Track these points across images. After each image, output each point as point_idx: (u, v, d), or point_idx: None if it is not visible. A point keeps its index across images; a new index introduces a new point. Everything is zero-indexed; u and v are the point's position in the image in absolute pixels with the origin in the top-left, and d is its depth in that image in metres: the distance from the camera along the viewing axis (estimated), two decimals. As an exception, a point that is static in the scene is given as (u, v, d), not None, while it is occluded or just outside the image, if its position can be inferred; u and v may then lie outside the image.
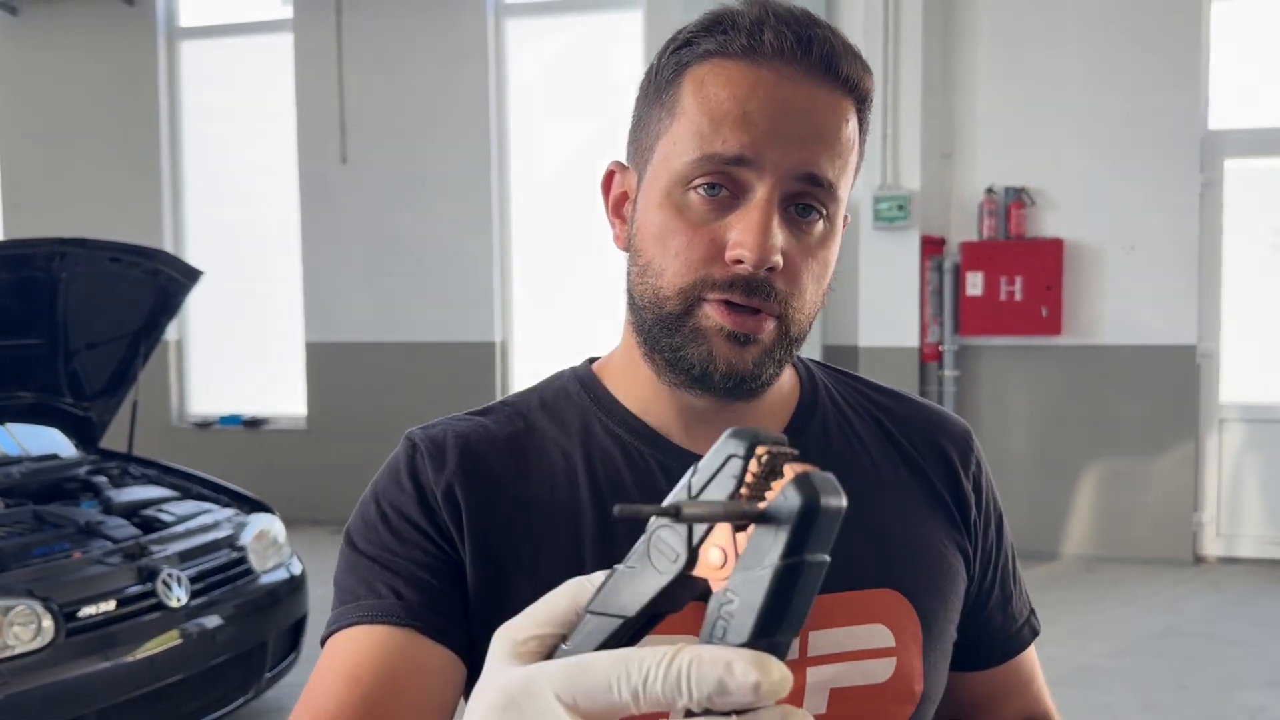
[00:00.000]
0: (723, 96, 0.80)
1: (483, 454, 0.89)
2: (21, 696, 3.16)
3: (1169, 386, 6.08)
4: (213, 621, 3.61)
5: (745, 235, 0.79)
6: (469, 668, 0.86)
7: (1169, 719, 4.00)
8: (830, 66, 0.81)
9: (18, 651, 3.22)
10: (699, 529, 0.45)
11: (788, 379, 0.96)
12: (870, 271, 6.23)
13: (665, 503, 0.45)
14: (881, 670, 0.86)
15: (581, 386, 0.95)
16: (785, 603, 0.42)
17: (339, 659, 0.81)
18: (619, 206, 0.91)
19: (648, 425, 0.91)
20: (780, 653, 0.43)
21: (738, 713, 0.42)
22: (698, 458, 0.88)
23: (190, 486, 4.40)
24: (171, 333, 7.58)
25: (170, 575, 3.59)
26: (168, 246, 7.14)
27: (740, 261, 0.80)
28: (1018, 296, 6.13)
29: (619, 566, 0.47)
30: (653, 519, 0.44)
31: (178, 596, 3.56)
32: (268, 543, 4.08)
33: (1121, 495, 6.19)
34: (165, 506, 4.16)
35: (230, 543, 3.94)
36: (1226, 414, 6.15)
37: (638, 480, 0.89)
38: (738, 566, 0.44)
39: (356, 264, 7.26)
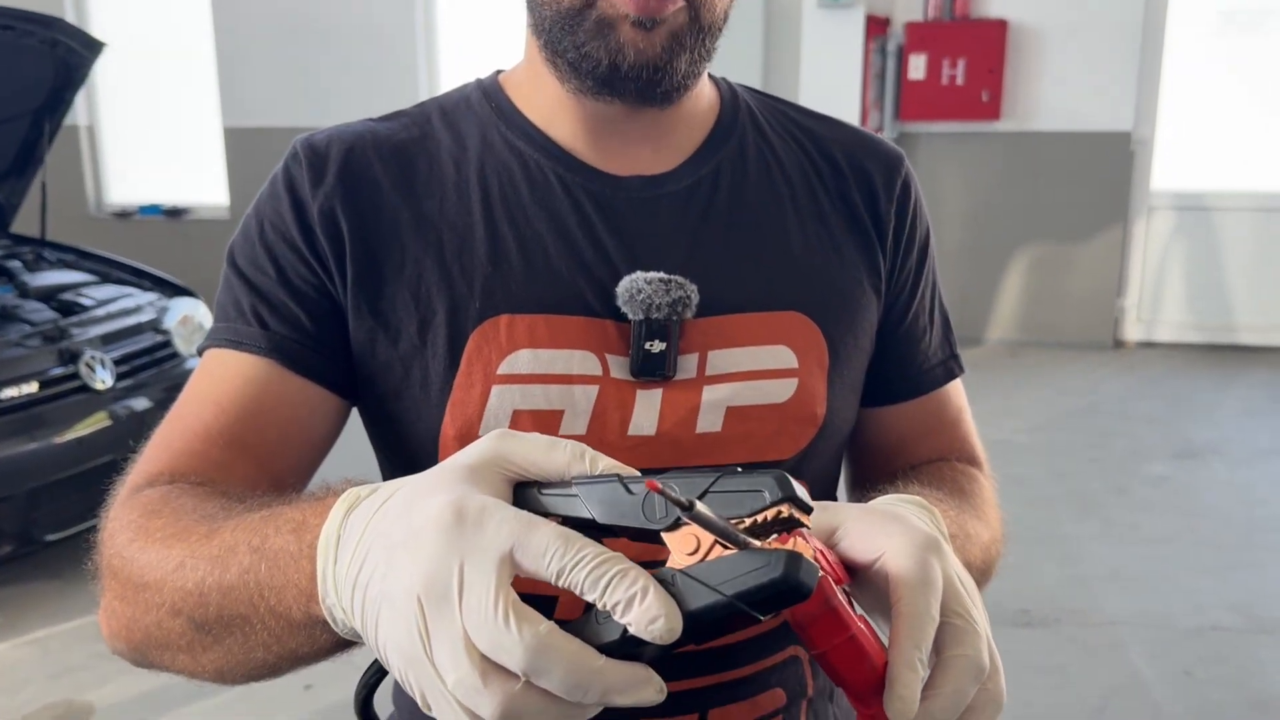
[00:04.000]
0: None
1: (367, 163, 0.83)
2: (-52, 477, 3.14)
3: (1102, 174, 6.10)
4: (141, 404, 3.58)
5: None
6: (352, 398, 0.84)
7: (1078, 486, 4.21)
8: None
9: (-60, 433, 3.17)
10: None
11: (707, 96, 0.90)
12: (812, 52, 6.06)
13: (683, 480, 0.50)
14: (781, 390, 0.83)
15: (484, 96, 0.89)
16: (704, 623, 0.47)
17: (207, 383, 0.81)
18: None
19: (550, 139, 0.86)
20: (654, 651, 0.47)
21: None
22: (605, 174, 0.86)
23: (110, 271, 4.27)
24: (83, 118, 7.21)
25: (94, 358, 3.52)
26: (68, 16, 6.68)
27: None
28: (959, 80, 6.03)
29: (625, 476, 0.51)
30: (663, 484, 0.48)
31: (102, 379, 3.50)
32: (193, 327, 4.00)
33: (1049, 281, 6.31)
34: (85, 290, 4.04)
35: (154, 326, 3.86)
36: (1156, 201, 6.22)
37: (535, 196, 0.84)
38: (696, 566, 0.47)
39: (272, 43, 6.89)
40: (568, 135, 0.86)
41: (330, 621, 0.55)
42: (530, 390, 0.79)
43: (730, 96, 0.92)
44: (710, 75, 0.92)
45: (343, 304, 0.81)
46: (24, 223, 4.55)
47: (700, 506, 0.47)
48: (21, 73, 3.97)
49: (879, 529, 0.59)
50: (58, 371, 3.47)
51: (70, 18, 6.72)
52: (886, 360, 0.93)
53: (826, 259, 0.88)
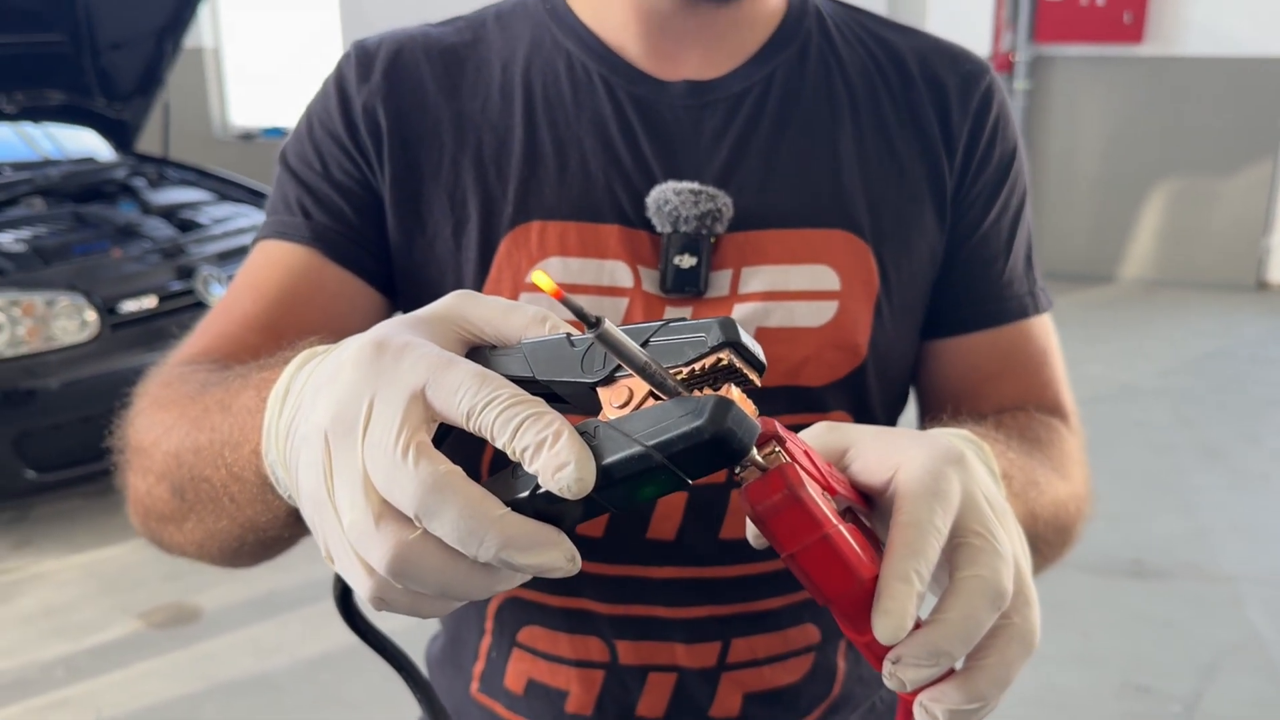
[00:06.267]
0: None
1: (415, 63, 0.82)
2: (74, 386, 3.28)
3: (1253, 102, 5.69)
4: (253, 320, 3.68)
5: None
6: (391, 295, 0.82)
7: (1205, 434, 3.99)
8: None
9: (66, 343, 3.32)
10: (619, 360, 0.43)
11: (774, 1, 0.83)
12: (940, -28, 5.78)
13: (623, 328, 0.43)
14: (819, 314, 0.77)
15: None
16: (621, 479, 0.41)
17: (251, 270, 0.81)
18: None
19: (600, 39, 0.81)
20: (572, 514, 0.42)
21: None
22: (651, 79, 0.80)
23: (228, 190, 4.39)
24: (208, 41, 7.39)
25: (209, 274, 3.63)
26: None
27: None
28: (1100, 1, 5.68)
29: (574, 334, 0.46)
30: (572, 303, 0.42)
31: (216, 294, 3.60)
32: (306, 246, 4.08)
33: (1189, 217, 5.95)
34: (203, 208, 4.16)
35: (267, 245, 3.95)
36: (1313, 132, 5.78)
37: (578, 99, 0.80)
38: (623, 419, 0.42)
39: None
40: (617, 34, 0.81)
41: (274, 482, 0.52)
42: (554, 303, 0.75)
43: (799, 1, 0.85)
44: None
45: (384, 200, 0.80)
46: (148, 142, 4.69)
47: (612, 329, 0.41)
48: (142, -7, 4.07)
49: (895, 446, 0.51)
50: (175, 286, 3.59)
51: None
52: (952, 286, 0.84)
53: (884, 174, 0.81)
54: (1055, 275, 6.17)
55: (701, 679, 0.81)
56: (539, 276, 0.42)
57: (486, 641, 0.85)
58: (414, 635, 0.87)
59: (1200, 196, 5.91)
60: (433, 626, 0.95)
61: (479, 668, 0.86)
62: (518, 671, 0.83)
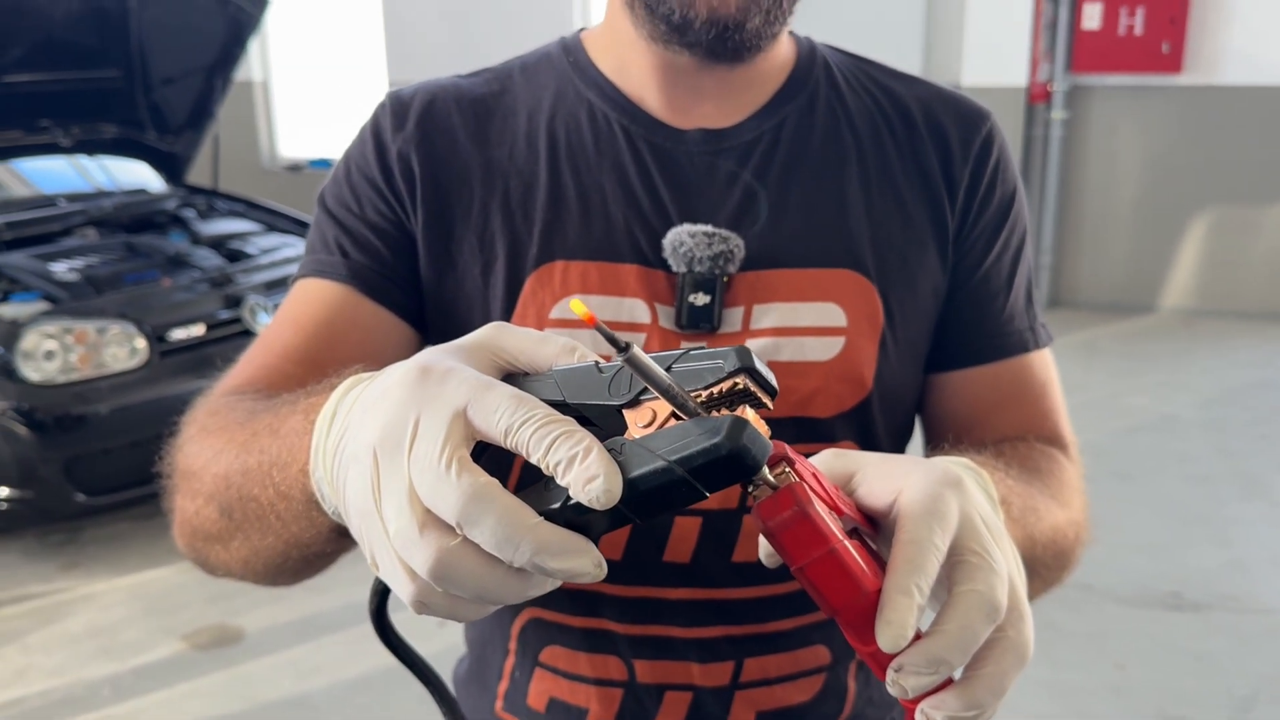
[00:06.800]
0: None
1: (446, 113, 0.87)
2: (123, 411, 3.37)
3: (1296, 131, 5.64)
4: (297, 348, 3.75)
5: None
6: (422, 329, 0.86)
7: (1245, 465, 3.95)
8: None
9: (116, 369, 3.41)
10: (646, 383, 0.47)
11: (783, 54, 0.88)
12: (979, 2, 5.80)
13: (655, 356, 0.47)
14: (826, 348, 0.81)
15: (564, 51, 0.90)
16: (645, 491, 0.45)
17: (290, 306, 0.86)
18: None
19: (620, 91, 0.86)
20: (599, 525, 0.46)
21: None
22: (668, 127, 0.85)
23: (276, 221, 4.50)
24: (257, 74, 7.56)
25: (257, 303, 3.72)
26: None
27: None
28: (1138, 30, 5.67)
29: (601, 363, 0.50)
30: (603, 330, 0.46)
31: (263, 323, 3.69)
32: (349, 276, 4.16)
33: (1229, 247, 5.90)
34: (251, 239, 4.27)
35: (312, 274, 4.04)
36: (1357, 161, 5.72)
37: (599, 147, 0.85)
38: (647, 437, 0.46)
39: (436, 1, 7.04)
40: (637, 86, 0.86)
41: (320, 499, 0.56)
42: (579, 335, 0.79)
43: (808, 54, 0.90)
44: (792, 33, 0.90)
45: (417, 240, 0.85)
46: (198, 174, 4.82)
47: (640, 354, 0.45)
48: (195, 30, 4.20)
49: (897, 471, 0.55)
50: (223, 315, 3.68)
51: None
52: (956, 322, 0.88)
53: (889, 217, 0.85)
54: (1094, 305, 6.14)
55: (716, 698, 0.84)
56: (576, 305, 0.46)
57: (510, 661, 0.89)
58: (443, 660, 0.91)
59: (1240, 226, 5.86)
60: (460, 649, 0.99)
61: (503, 686, 0.90)
62: (540, 690, 0.87)
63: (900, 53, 5.79)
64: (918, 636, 0.49)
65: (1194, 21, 5.62)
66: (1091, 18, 5.75)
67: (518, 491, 0.46)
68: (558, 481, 0.45)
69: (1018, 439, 0.87)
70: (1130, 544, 3.38)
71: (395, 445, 0.47)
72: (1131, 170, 5.97)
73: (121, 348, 3.44)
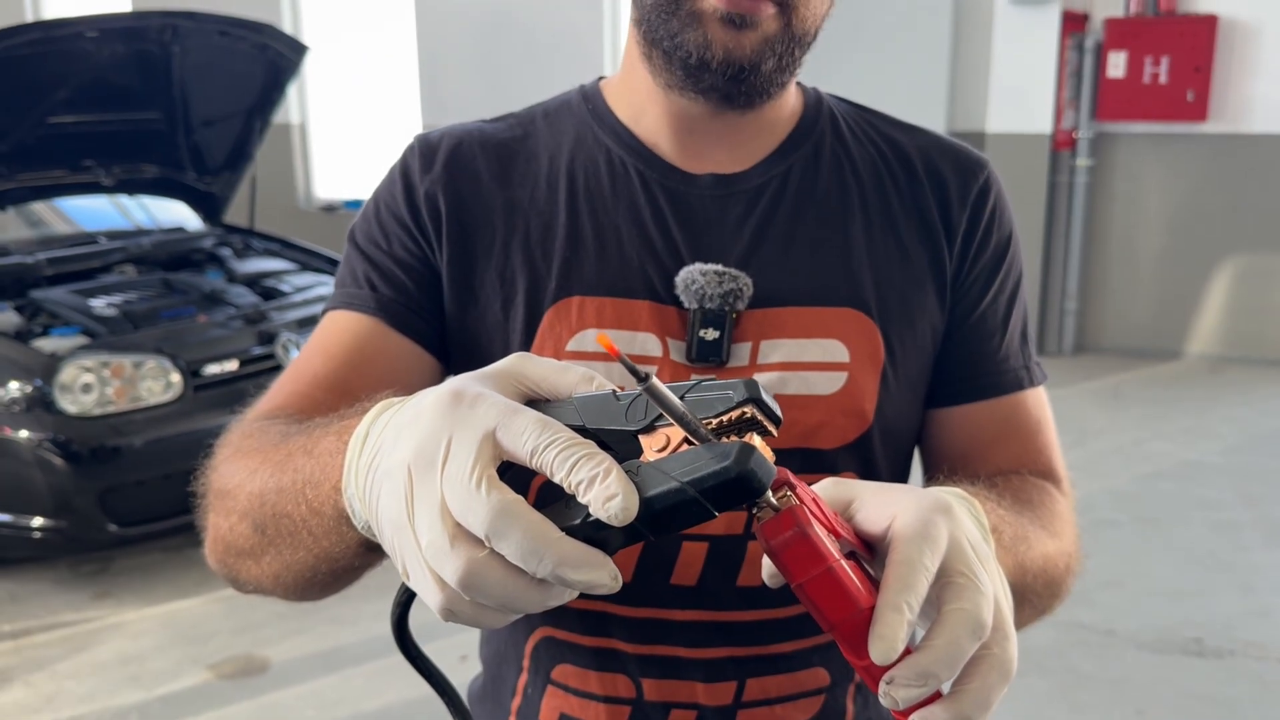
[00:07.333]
0: None
1: (471, 156, 0.92)
2: (157, 444, 3.45)
3: (1322, 179, 5.65)
4: (327, 384, 3.82)
5: None
6: (446, 361, 0.91)
7: (1271, 512, 3.93)
8: None
9: (151, 403, 3.49)
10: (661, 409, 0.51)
11: (790, 105, 0.93)
12: (1004, 50, 5.86)
13: (666, 385, 0.51)
14: (829, 383, 0.86)
15: (584, 98, 0.96)
16: (660, 510, 0.49)
17: (321, 337, 0.90)
18: None
19: (636, 137, 0.91)
20: (615, 541, 0.50)
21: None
22: (681, 172, 0.90)
23: (310, 260, 4.59)
24: (295, 117, 7.73)
25: (289, 340, 3.80)
26: (285, 24, 7.16)
27: None
28: (1162, 79, 5.71)
29: (618, 391, 0.54)
30: (628, 361, 0.51)
31: (295, 358, 3.76)
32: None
33: (1255, 293, 5.89)
34: (285, 277, 4.37)
35: (343, 312, 4.11)
36: (1385, 209, 5.71)
37: (616, 189, 0.90)
38: (661, 460, 0.50)
39: (471, 45, 7.19)
40: (652, 133, 0.91)
41: (351, 514, 0.59)
42: (594, 367, 0.84)
43: (815, 104, 0.95)
44: (800, 84, 0.95)
45: (442, 275, 0.90)
46: (236, 213, 4.93)
47: (658, 384, 0.49)
48: (235, 75, 4.32)
49: (892, 498, 0.58)
50: (257, 351, 3.76)
51: (285, 22, 7.22)
52: (953, 359, 0.92)
53: (890, 260, 0.90)
54: (1119, 351, 6.13)
55: (719, 716, 0.88)
56: (602, 339, 0.52)
57: (523, 679, 0.93)
58: (458, 677, 0.95)
59: (1266, 273, 5.85)
60: (475, 667, 1.03)
61: (516, 703, 0.94)
62: (551, 707, 0.91)
63: (926, 100, 5.86)
64: (908, 651, 0.53)
65: (1219, 70, 5.66)
66: (1116, 66, 5.80)
67: (539, 509, 0.50)
68: (579, 500, 0.48)
69: (1012, 473, 0.91)
70: (1153, 590, 3.37)
71: (429, 463, 0.50)
72: (1156, 217, 5.98)
73: (157, 381, 3.53)
